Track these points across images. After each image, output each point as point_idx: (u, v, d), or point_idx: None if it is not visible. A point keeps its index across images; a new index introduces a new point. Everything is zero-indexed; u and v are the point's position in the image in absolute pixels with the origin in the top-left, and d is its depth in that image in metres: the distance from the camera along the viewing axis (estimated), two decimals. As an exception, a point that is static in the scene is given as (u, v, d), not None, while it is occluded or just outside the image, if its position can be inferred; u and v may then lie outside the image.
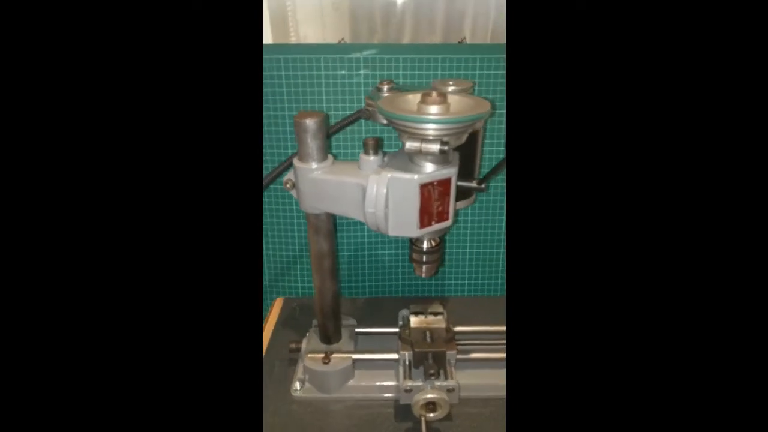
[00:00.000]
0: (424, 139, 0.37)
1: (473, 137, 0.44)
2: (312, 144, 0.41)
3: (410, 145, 0.37)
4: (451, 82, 0.45)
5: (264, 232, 0.65)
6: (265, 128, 0.58)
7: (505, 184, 0.61)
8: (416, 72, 0.55)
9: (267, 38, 0.59)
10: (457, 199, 0.48)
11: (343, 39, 0.64)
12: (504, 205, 0.63)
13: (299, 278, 0.68)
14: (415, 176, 0.39)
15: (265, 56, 0.54)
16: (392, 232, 0.41)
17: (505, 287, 0.69)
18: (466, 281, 0.68)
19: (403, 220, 0.41)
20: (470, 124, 0.39)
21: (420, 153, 0.38)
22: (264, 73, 0.55)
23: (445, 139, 0.37)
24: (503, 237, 0.65)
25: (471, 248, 0.66)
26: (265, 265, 0.67)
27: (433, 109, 0.38)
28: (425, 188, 0.39)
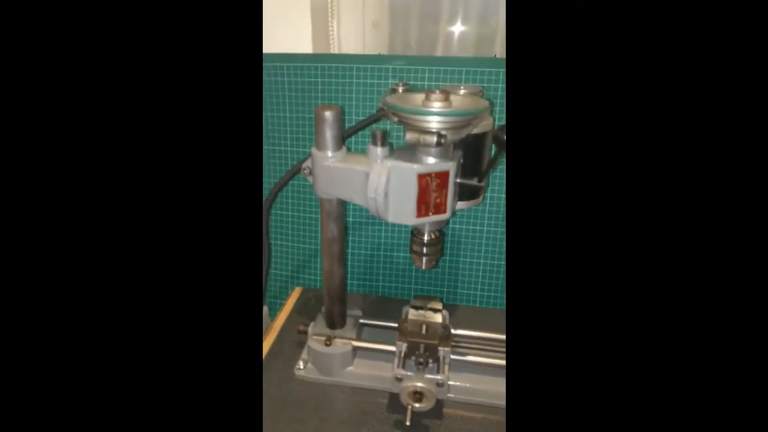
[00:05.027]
0: (423, 131, 0.41)
1: (480, 140, 0.47)
2: (328, 134, 0.46)
3: (410, 136, 0.41)
4: (462, 86, 0.48)
5: (289, 226, 0.70)
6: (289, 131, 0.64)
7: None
8: (440, 83, 0.59)
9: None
10: (462, 198, 0.50)
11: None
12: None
13: (319, 271, 0.72)
14: (415, 165, 0.42)
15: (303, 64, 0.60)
16: (391, 219, 0.44)
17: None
18: (478, 292, 0.69)
19: (401, 208, 0.43)
20: (467, 120, 0.41)
21: (419, 144, 0.41)
22: (298, 79, 0.61)
23: (443, 132, 0.40)
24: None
25: (484, 259, 0.67)
26: (289, 256, 0.72)
27: (435, 105, 0.41)
28: (423, 178, 0.42)
